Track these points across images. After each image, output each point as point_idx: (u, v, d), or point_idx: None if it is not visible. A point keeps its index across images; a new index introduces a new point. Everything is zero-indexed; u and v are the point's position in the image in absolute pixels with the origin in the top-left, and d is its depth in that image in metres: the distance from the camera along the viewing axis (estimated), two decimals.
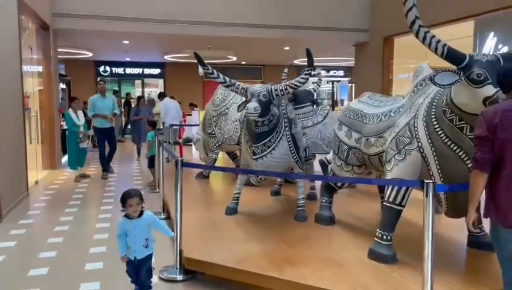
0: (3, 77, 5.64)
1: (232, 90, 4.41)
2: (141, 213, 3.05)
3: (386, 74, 10.17)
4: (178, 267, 3.70)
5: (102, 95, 8.03)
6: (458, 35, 8.06)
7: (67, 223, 5.25)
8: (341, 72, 19.93)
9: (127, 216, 3.03)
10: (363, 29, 10.63)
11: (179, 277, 3.64)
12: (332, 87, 18.71)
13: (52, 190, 7.14)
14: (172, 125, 9.20)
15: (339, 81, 19.75)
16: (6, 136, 5.61)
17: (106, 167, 8.17)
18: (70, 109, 7.99)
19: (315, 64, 4.46)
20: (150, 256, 3.10)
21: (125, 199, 3.01)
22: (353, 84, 14.26)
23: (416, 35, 2.94)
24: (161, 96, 11.49)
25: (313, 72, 4.43)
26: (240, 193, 4.92)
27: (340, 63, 17.61)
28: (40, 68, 8.73)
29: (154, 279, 3.59)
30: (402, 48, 9.84)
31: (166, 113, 10.04)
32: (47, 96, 8.89)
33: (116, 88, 17.71)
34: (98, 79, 17.36)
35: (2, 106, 5.46)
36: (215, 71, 4.35)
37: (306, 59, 4.34)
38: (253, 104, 4.02)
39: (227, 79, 4.35)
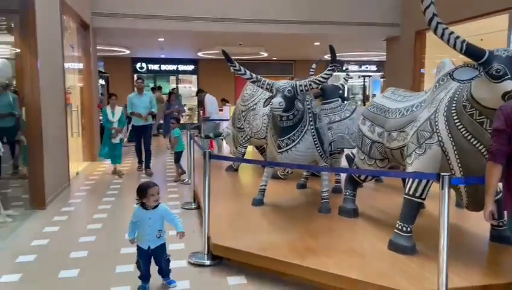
0: (48, 74, 6.04)
1: (258, 86, 4.59)
2: (157, 205, 3.29)
3: (418, 69, 10.06)
4: (206, 253, 3.93)
5: (139, 93, 8.14)
6: (492, 29, 7.89)
7: (105, 211, 5.60)
8: (373, 67, 19.70)
9: (142, 206, 3.27)
10: (394, 24, 10.54)
11: (207, 262, 3.86)
12: (364, 82, 18.54)
13: (92, 180, 7.57)
14: (208, 119, 9.51)
15: (371, 76, 19.54)
16: (50, 130, 6.01)
17: (141, 159, 8.28)
18: (108, 105, 8.23)
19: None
20: (164, 245, 3.36)
21: (145, 189, 3.23)
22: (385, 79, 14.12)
23: (435, 32, 3.02)
24: (200, 92, 10.85)
25: (342, 68, 4.55)
26: (266, 185, 5.10)
27: (373, 57, 17.43)
28: (80, 65, 9.20)
29: (184, 263, 3.86)
30: (434, 42, 9.60)
31: (212, 108, 9.96)
32: (87, 92, 9.36)
33: (152, 84, 18.26)
34: (136, 77, 18.01)
35: (46, 102, 5.85)
36: (242, 68, 4.53)
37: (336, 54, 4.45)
38: (278, 99, 4.19)
39: (254, 75, 4.53)
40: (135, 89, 8.39)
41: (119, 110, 7.99)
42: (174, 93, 12.91)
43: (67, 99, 7.54)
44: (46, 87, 5.88)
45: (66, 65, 7.38)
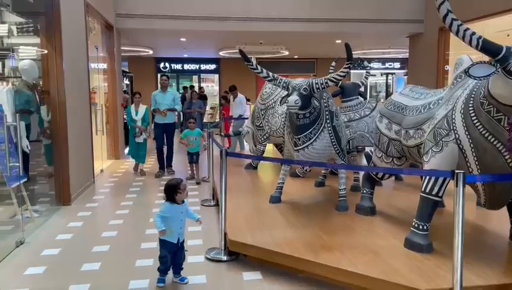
0: (73, 74, 6.24)
1: (274, 84, 4.62)
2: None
3: (442, 66, 9.87)
4: (223, 248, 4.00)
5: (162, 90, 7.91)
6: None
7: (127, 207, 5.76)
8: (397, 64, 19.42)
9: (174, 202, 3.36)
10: (417, 20, 10.37)
11: (223, 258, 3.93)
12: (387, 79, 18.29)
13: (115, 177, 7.77)
14: (231, 118, 9.63)
15: (394, 73, 19.26)
16: (75, 129, 6.21)
17: (162, 164, 7.98)
18: (132, 104, 8.22)
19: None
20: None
21: (177, 185, 3.35)
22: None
23: (450, 28, 2.99)
24: (232, 90, 10.38)
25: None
26: (283, 183, 5.13)
27: (397, 55, 17.17)
28: (105, 65, 9.44)
29: (201, 258, 3.94)
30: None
31: (241, 108, 9.99)
32: (111, 91, 9.60)
33: (174, 84, 18.56)
34: (159, 75, 18.31)
35: (71, 101, 6.05)
36: (259, 66, 4.58)
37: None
38: (293, 98, 4.22)
39: (270, 74, 4.57)
40: (159, 86, 8.27)
41: (143, 108, 7.94)
42: (195, 92, 13.10)
43: (92, 99, 7.77)
44: (71, 87, 6.07)
45: (91, 66, 7.59)
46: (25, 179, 4.87)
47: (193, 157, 7.32)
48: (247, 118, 9.84)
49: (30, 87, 5.59)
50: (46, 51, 5.71)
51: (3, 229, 4.59)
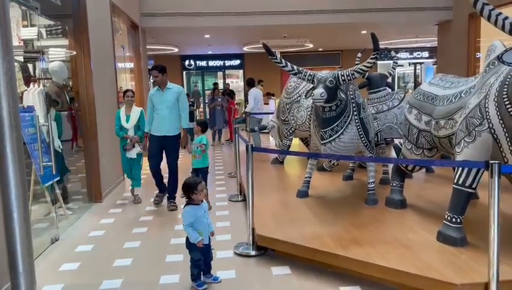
0: (102, 74, 6.36)
1: (299, 78, 4.57)
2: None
3: (472, 54, 9.56)
4: (251, 243, 4.00)
5: (160, 88, 5.50)
6: None
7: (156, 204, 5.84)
8: (425, 53, 18.92)
9: (191, 204, 3.31)
10: (446, 7, 10.06)
11: (252, 253, 3.94)
12: (415, 69, 17.86)
13: (144, 174, 7.84)
14: (250, 113, 9.58)
15: (423, 63, 18.77)
16: (104, 128, 6.34)
17: (161, 186, 5.84)
18: (123, 106, 6.05)
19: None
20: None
21: (193, 186, 3.27)
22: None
23: (481, 14, 2.88)
24: (249, 84, 10.42)
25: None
26: (310, 177, 5.09)
27: (425, 44, 16.73)
28: (131, 65, 9.60)
29: (230, 254, 3.96)
30: (490, 24, 9.16)
31: (255, 103, 9.82)
32: (138, 90, 9.75)
33: (199, 81, 18.71)
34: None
35: (100, 100, 6.17)
36: (283, 60, 4.54)
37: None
38: (319, 90, 4.16)
39: (295, 67, 4.52)
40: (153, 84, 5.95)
41: (137, 112, 5.85)
42: (218, 89, 13.38)
43: (120, 98, 7.90)
44: (100, 87, 6.19)
45: (118, 65, 7.72)
46: (58, 178, 5.01)
47: (198, 175, 5.04)
48: (258, 114, 9.79)
49: (60, 88, 5.75)
50: (74, 52, 5.85)
51: (38, 227, 4.74)
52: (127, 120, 5.81)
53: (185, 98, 5.64)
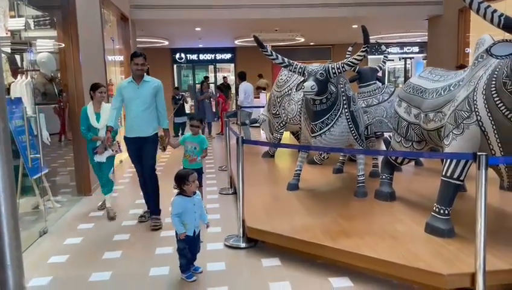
0: (91, 66, 6.29)
1: (290, 71, 4.57)
2: (195, 192, 3.36)
3: (462, 48, 9.63)
4: (241, 235, 4.01)
5: (136, 81, 4.59)
6: None
7: None
8: (416, 48, 19.01)
9: (182, 195, 3.30)
10: (436, 2, 10.12)
11: (242, 245, 3.95)
12: (405, 64, 17.95)
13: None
14: (241, 107, 9.57)
15: (413, 57, 18.87)
16: None
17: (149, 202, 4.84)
18: (90, 102, 5.17)
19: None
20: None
21: (185, 177, 3.26)
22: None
23: (470, 7, 2.90)
24: (241, 77, 10.34)
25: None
26: (300, 170, 5.10)
27: (415, 38, 16.81)
28: (121, 58, 9.51)
29: (220, 246, 3.96)
30: (480, 19, 9.22)
31: (246, 97, 9.79)
32: None
33: (190, 74, 18.61)
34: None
35: (89, 93, 6.10)
36: (273, 53, 4.53)
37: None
38: (310, 83, 4.17)
39: (286, 60, 4.52)
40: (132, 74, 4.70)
41: (107, 109, 4.93)
42: (207, 83, 13.38)
43: (109, 91, 7.83)
44: (88, 79, 6.11)
45: (108, 58, 7.64)
46: (46, 171, 4.96)
47: None
48: (249, 107, 9.76)
49: (48, 80, 5.68)
50: (63, 44, 5.78)
51: (27, 219, 4.71)
52: (97, 119, 5.00)
53: (163, 93, 4.79)
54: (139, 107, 4.56)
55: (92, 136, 4.98)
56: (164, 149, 4.89)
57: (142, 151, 4.65)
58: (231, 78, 19.25)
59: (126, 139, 4.72)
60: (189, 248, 3.33)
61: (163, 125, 4.76)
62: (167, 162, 8.27)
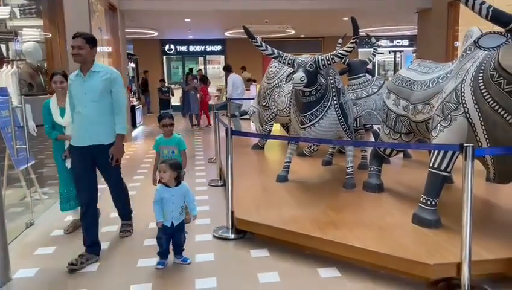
0: None
1: (280, 62, 4.55)
2: (179, 183, 3.37)
3: (451, 42, 9.69)
4: (230, 227, 4.01)
5: (82, 71, 3.55)
6: None
7: (135, 188, 5.78)
8: (406, 42, 19.08)
9: (165, 184, 3.34)
10: None
11: (231, 236, 3.95)
12: (395, 57, 18.02)
13: (123, 159, 7.77)
14: (231, 99, 9.54)
15: (402, 51, 18.95)
16: None
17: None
18: (53, 95, 4.28)
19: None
20: (183, 221, 3.44)
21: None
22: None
23: None
24: (227, 70, 10.76)
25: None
26: (290, 162, 5.11)
27: (405, 32, 16.86)
28: (109, 48, 9.39)
29: (209, 237, 3.96)
30: (469, 12, 9.26)
31: (234, 88, 9.89)
32: None
33: (180, 66, 18.47)
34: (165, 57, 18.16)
35: None
36: (263, 44, 4.51)
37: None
38: (299, 74, 4.16)
39: (275, 51, 4.50)
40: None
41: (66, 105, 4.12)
42: (191, 75, 13.52)
43: None
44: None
45: None
46: (33, 162, 4.90)
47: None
48: (238, 99, 9.77)
49: (35, 70, 5.60)
50: (49, 34, 5.69)
51: (13, 211, 4.64)
52: (62, 114, 4.17)
53: (121, 87, 3.67)
54: (87, 106, 3.50)
55: (57, 135, 4.21)
56: (117, 162, 3.73)
57: (100, 164, 3.66)
58: (221, 70, 19.21)
59: (73, 149, 3.62)
60: (172, 239, 3.38)
61: (116, 130, 3.62)
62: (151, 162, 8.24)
